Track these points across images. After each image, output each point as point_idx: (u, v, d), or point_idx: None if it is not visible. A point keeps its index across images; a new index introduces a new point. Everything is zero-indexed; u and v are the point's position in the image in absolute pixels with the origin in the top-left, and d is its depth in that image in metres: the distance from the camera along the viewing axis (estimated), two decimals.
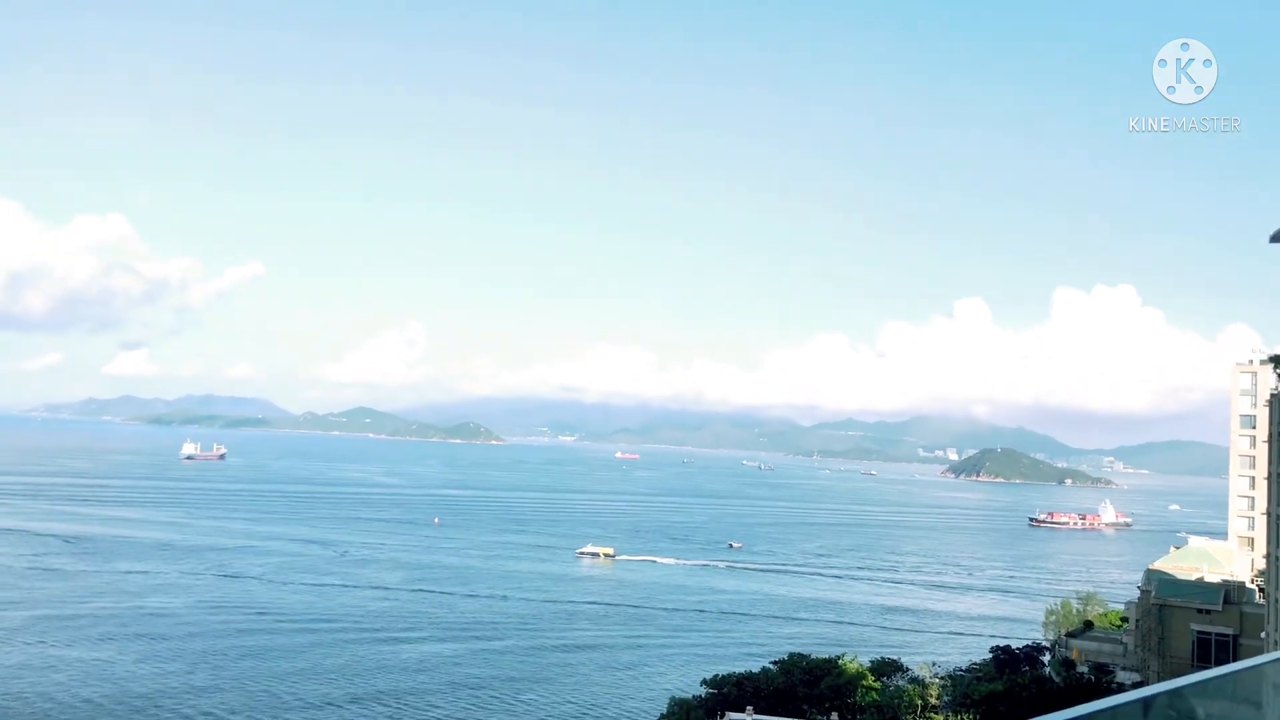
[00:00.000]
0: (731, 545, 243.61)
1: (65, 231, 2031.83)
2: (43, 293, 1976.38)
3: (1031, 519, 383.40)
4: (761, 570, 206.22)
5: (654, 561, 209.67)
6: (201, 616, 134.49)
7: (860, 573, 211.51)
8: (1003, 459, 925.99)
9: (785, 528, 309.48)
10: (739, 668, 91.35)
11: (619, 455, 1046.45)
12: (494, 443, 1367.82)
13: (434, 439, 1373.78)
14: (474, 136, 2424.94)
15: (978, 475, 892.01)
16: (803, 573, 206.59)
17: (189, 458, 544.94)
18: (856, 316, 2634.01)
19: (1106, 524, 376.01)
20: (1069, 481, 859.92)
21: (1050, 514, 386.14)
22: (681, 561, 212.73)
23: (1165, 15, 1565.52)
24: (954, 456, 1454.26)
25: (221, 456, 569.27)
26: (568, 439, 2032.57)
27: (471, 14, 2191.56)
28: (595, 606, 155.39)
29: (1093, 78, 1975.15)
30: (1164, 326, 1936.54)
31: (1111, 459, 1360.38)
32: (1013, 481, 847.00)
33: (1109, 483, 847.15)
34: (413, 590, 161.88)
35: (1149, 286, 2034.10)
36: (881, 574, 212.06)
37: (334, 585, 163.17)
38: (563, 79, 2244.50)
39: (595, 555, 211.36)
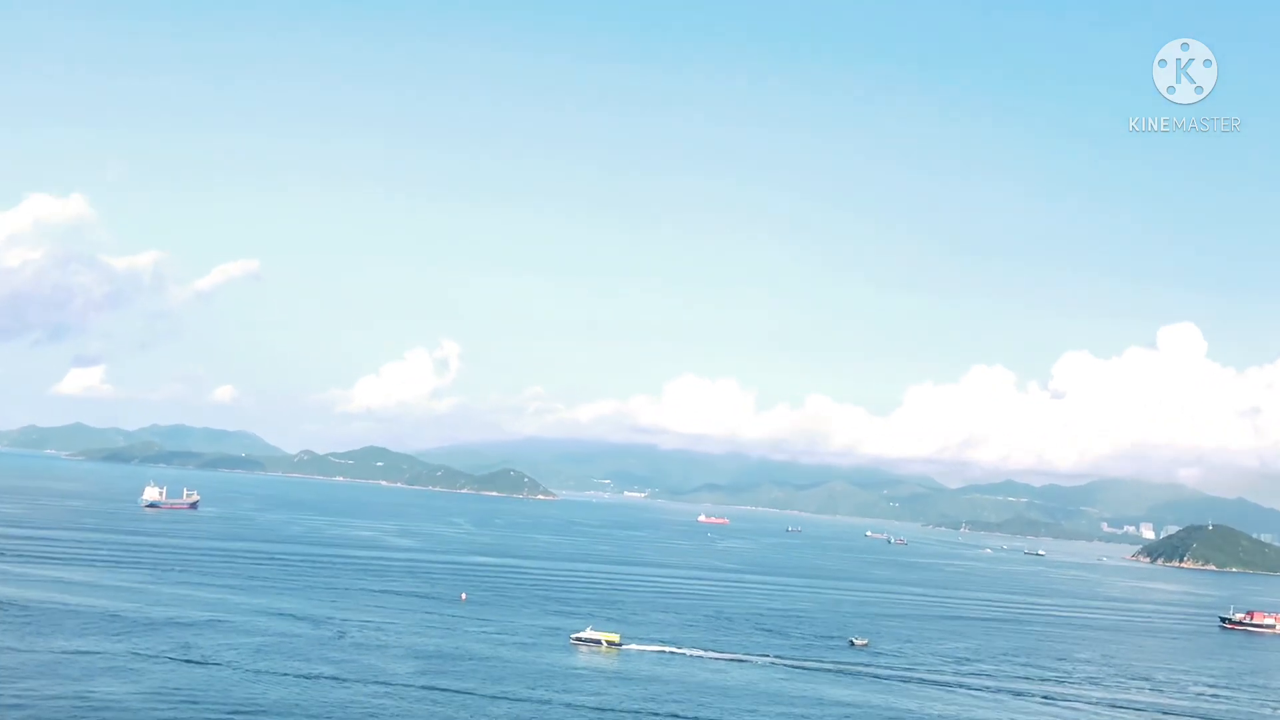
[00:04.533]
0: (854, 642, 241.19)
1: (12, 214, 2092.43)
2: None
3: (1224, 619, 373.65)
4: (886, 677, 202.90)
5: (672, 653, 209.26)
6: (157, 713, 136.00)
7: (1020, 683, 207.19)
8: (1216, 540, 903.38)
9: (920, 622, 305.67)
10: None
11: (703, 519, 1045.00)
12: (541, 497, 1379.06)
13: (464, 490, 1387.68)
14: (534, 127, 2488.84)
15: (1181, 560, 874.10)
16: (942, 682, 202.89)
17: (151, 505, 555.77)
18: (1026, 345, 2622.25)
19: None
20: None
21: (1250, 614, 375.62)
22: (718, 655, 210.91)
23: (1165, 15, 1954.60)
24: (1149, 534, 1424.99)
25: (193, 505, 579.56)
26: (637, 495, 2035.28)
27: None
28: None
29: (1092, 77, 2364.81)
30: None
31: None
32: (1228, 570, 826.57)
33: None
34: (425, 687, 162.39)
35: None
36: (1047, 686, 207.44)
37: (327, 677, 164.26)
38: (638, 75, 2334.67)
39: (595, 642, 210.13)
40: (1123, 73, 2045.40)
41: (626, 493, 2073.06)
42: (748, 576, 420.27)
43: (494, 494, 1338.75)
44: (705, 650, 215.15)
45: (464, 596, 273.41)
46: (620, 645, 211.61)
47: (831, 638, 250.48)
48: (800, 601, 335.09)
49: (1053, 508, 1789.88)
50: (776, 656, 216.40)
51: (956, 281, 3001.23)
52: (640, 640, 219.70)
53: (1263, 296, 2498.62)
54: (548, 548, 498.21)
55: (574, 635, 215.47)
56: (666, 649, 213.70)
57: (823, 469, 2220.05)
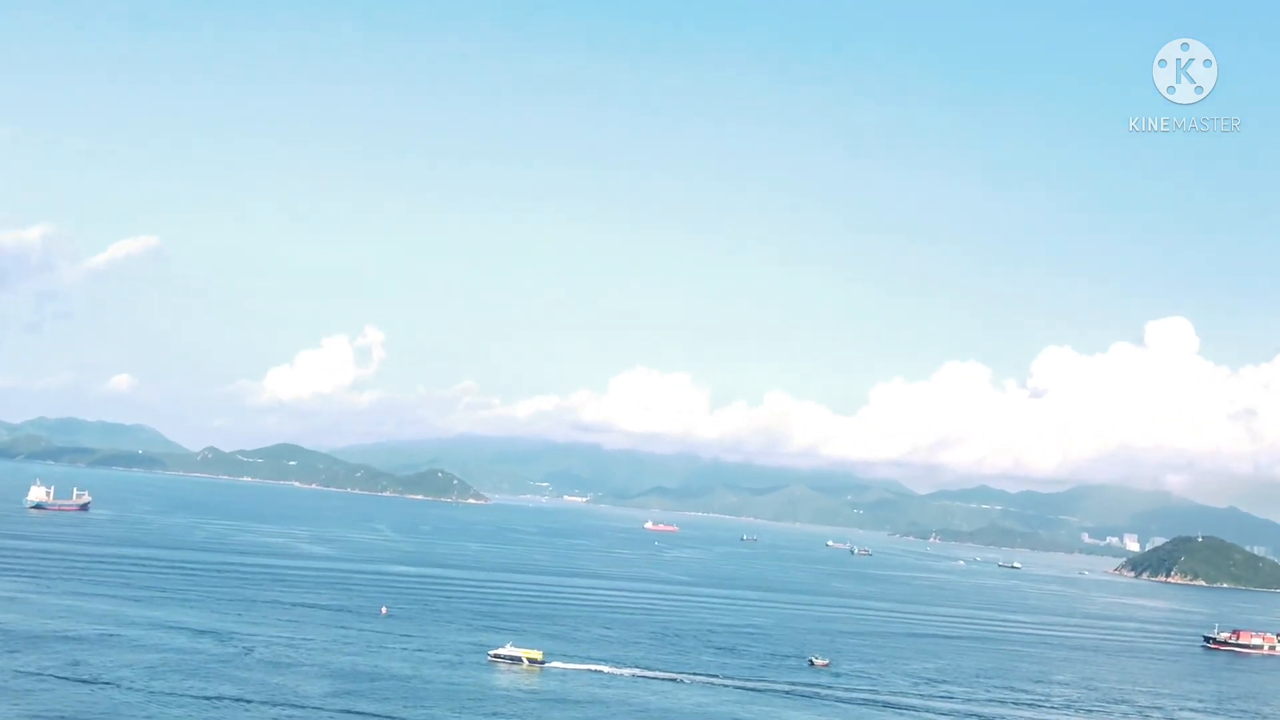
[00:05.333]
0: (813, 662, 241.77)
1: None
2: None
3: (1208, 639, 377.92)
4: (848, 700, 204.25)
5: (599, 671, 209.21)
6: None
7: (992, 707, 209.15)
8: (1205, 553, 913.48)
9: (885, 640, 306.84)
10: None
11: (650, 526, 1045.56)
12: (472, 501, 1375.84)
13: (387, 492, 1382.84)
14: (468, 98, 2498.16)
15: (1168, 575, 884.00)
16: (908, 705, 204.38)
17: (37, 506, 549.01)
18: (1003, 340, 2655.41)
19: None
20: None
21: (1236, 632, 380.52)
22: (660, 675, 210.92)
23: (1165, 15, 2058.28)
24: (1134, 546, 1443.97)
25: (84, 507, 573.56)
26: (578, 499, 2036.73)
27: None
28: None
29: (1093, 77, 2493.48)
30: None
31: None
32: (1218, 586, 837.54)
33: None
34: (341, 711, 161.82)
35: None
36: (1021, 711, 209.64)
37: (230, 698, 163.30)
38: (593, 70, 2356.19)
39: (516, 660, 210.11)
40: (1123, 73, 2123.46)
41: (567, 497, 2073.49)
42: (698, 589, 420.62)
43: (420, 497, 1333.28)
44: (645, 670, 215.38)
45: (385, 610, 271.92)
46: (543, 663, 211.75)
47: (789, 657, 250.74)
48: (755, 617, 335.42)
49: (1030, 516, 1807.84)
50: (727, 677, 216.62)
51: (929, 271, 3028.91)
52: (567, 658, 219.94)
53: (1259, 291, 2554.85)
54: (478, 557, 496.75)
55: (492, 652, 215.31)
56: (597, 668, 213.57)
57: (781, 472, 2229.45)
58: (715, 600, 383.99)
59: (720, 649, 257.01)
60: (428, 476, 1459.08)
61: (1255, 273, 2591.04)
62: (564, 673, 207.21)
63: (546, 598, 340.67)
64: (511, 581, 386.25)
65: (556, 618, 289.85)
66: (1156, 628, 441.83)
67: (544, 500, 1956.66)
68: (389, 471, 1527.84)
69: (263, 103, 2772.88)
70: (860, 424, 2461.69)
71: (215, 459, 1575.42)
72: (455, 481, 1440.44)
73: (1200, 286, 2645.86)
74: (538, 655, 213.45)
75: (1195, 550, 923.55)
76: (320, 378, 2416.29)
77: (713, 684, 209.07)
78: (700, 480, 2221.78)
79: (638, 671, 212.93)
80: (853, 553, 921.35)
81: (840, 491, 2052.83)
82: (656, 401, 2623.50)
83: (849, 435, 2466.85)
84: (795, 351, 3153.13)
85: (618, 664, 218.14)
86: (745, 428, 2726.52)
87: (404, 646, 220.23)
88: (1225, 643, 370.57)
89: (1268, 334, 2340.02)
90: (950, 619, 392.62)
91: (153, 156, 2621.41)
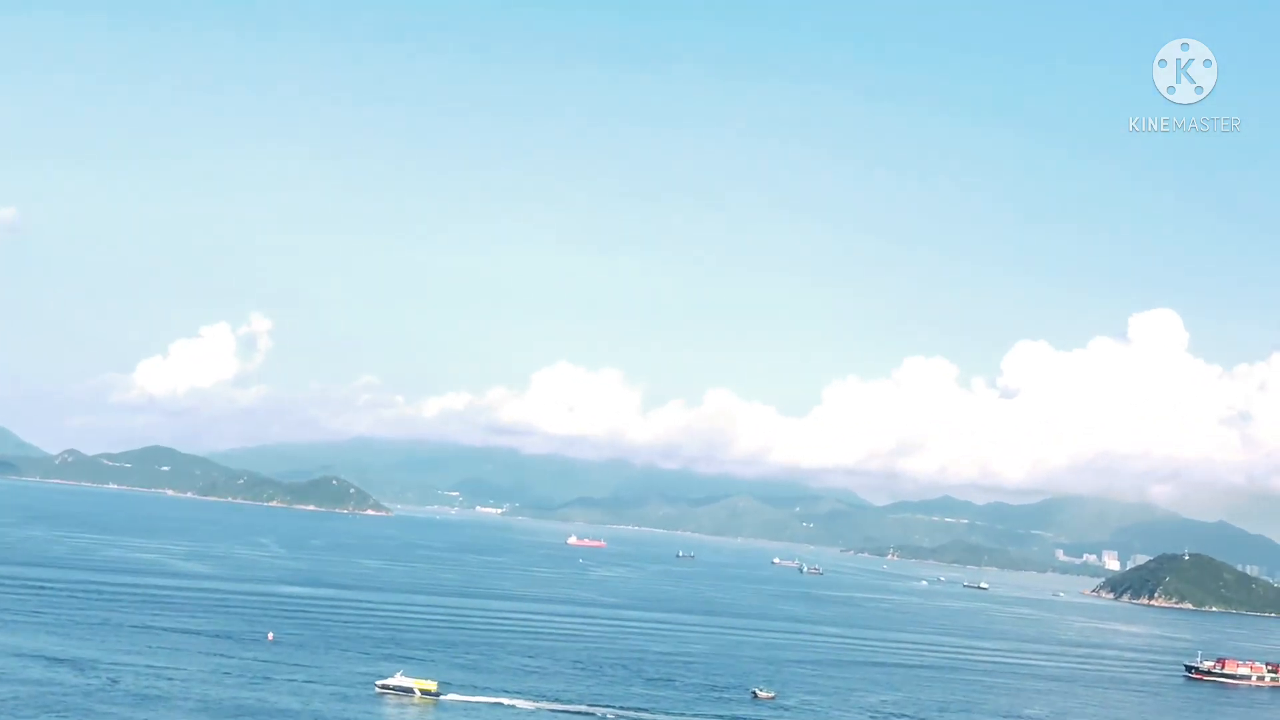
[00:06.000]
0: (757, 694, 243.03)
1: None
2: None
3: (1190, 668, 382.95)
4: None
5: (502, 705, 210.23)
6: None
7: None
8: (1193, 572, 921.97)
9: (838, 669, 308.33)
10: None
11: (574, 541, 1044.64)
12: (371, 513, 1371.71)
13: (274, 502, 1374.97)
14: (377, 58, 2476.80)
15: (1151, 596, 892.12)
16: None
17: None
18: (972, 334, 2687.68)
19: None
20: None
21: (1221, 661, 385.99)
22: (561, 708, 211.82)
23: (1165, 15, 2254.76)
24: (1113, 565, 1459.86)
25: None
26: (493, 510, 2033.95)
27: None
28: None
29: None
30: None
31: None
32: (1206, 609, 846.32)
33: None
34: None
35: None
36: None
37: None
38: None
39: (407, 691, 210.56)
40: (1123, 73, 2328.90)
41: (480, 508, 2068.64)
42: (628, 613, 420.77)
43: (311, 508, 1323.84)
44: (562, 703, 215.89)
45: (271, 636, 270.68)
46: (438, 695, 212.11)
47: (730, 688, 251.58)
48: (692, 644, 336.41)
49: (999, 531, 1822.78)
50: (660, 712, 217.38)
51: (889, 259, 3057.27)
52: (468, 689, 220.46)
53: (1255, 283, 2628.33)
54: (379, 576, 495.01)
55: (380, 682, 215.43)
56: (500, 700, 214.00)
57: (723, 481, 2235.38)
58: (647, 625, 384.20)
59: (652, 680, 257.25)
60: (320, 485, 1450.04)
61: (1251, 266, 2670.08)
62: (460, 706, 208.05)
63: (456, 623, 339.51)
64: (416, 604, 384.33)
65: (466, 645, 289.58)
66: (1136, 656, 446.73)
67: (454, 512, 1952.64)
68: (276, 479, 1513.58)
69: (141, 62, 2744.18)
70: (812, 427, 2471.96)
71: (77, 463, 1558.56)
72: (352, 490, 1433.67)
73: (1189, 272, 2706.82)
74: (431, 686, 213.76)
75: (1181, 569, 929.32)
76: (198, 371, 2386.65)
77: (641, 718, 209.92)
78: (631, 490, 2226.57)
79: (554, 705, 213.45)
80: (802, 571, 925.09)
81: (788, 503, 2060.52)
82: (583, 401, 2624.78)
83: (799, 440, 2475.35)
84: (739, 345, 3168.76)
85: (529, 696, 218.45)
86: (682, 431, 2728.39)
87: (291, 678, 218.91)
88: (1209, 673, 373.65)
89: (1264, 329, 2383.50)
90: (910, 646, 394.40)
91: (8, 118, 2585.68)
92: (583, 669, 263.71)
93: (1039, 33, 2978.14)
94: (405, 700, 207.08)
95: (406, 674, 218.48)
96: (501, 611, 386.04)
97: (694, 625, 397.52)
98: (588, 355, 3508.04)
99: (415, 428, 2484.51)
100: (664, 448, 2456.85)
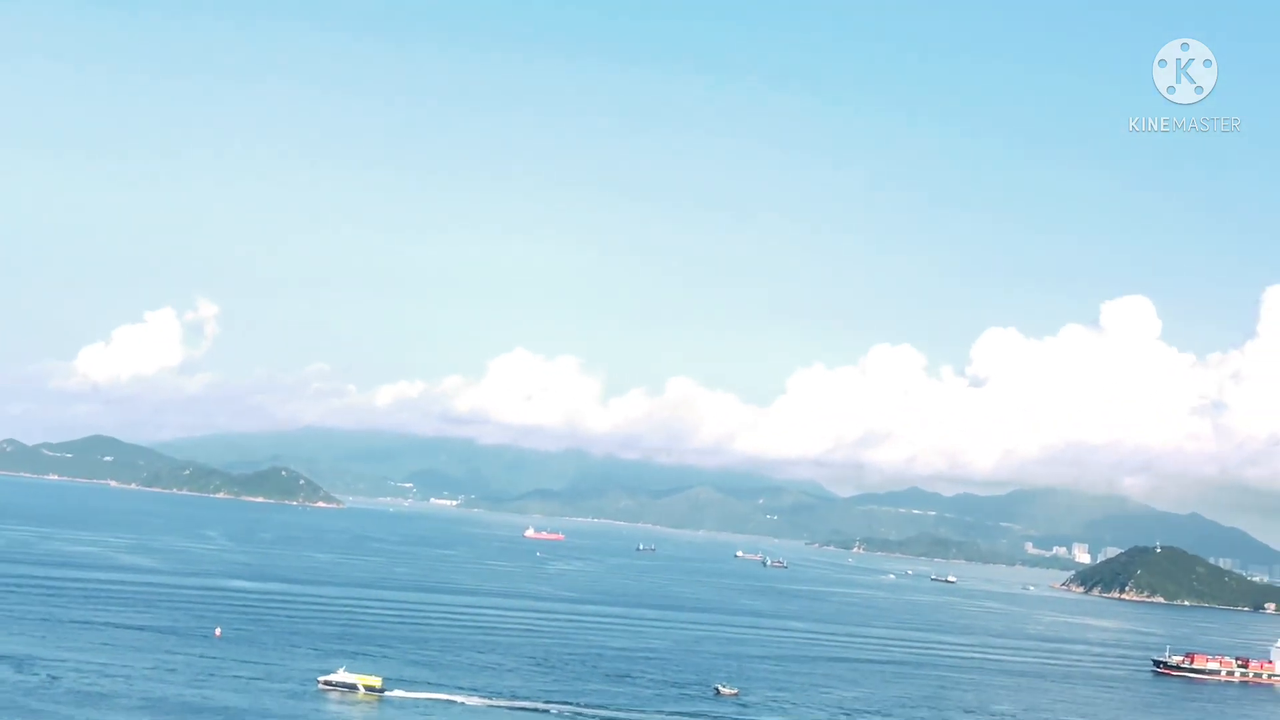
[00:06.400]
0: (719, 691, 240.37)
1: None
2: None
3: (1158, 662, 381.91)
4: None
5: (449, 701, 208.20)
6: None
7: None
8: (1164, 565, 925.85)
9: (802, 665, 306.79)
10: None
11: (531, 533, 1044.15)
12: (322, 505, 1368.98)
13: (220, 494, 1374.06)
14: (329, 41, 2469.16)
15: (1122, 590, 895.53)
16: None
17: None
18: (939, 320, 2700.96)
19: None
20: (1271, 607, 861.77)
21: (1190, 656, 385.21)
22: (512, 704, 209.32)
23: (1165, 15, 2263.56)
24: (1084, 558, 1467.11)
25: None
26: (447, 502, 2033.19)
27: None
28: None
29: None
30: None
31: None
32: (1179, 603, 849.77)
33: None
34: None
35: None
36: None
37: None
38: None
39: (350, 687, 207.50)
40: (1123, 73, 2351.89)
41: (434, 500, 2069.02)
42: (586, 607, 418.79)
43: (259, 500, 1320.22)
44: (514, 700, 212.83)
45: (219, 632, 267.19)
46: (382, 691, 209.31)
47: (691, 685, 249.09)
48: (652, 639, 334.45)
49: (967, 523, 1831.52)
50: (618, 708, 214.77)
51: (856, 243, 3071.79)
52: (414, 685, 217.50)
53: (1229, 270, 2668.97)
54: (330, 570, 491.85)
55: (322, 678, 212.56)
56: (447, 697, 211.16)
57: (684, 472, 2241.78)
58: (606, 620, 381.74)
59: (610, 676, 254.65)
60: (269, 475, 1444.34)
61: (1225, 254, 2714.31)
62: (405, 702, 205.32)
63: (409, 618, 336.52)
64: (368, 599, 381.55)
65: (419, 641, 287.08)
66: (1105, 651, 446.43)
67: (407, 504, 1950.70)
68: (223, 469, 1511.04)
69: (84, 48, 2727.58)
70: (776, 416, 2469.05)
71: (15, 453, 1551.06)
72: (302, 481, 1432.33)
73: (1162, 259, 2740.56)
74: (375, 682, 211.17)
75: (1153, 562, 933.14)
76: (142, 358, 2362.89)
77: (600, 716, 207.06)
78: (590, 481, 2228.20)
79: (507, 702, 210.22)
80: (765, 564, 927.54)
81: (752, 494, 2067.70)
82: (540, 389, 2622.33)
83: (763, 429, 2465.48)
84: (702, 332, 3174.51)
85: (482, 693, 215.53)
86: (643, 420, 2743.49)
87: (238, 675, 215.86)
88: (1177, 667, 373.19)
89: (1238, 317, 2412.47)
90: (876, 641, 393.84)
91: None
92: (538, 665, 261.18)
93: (1039, 33, 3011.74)
94: (348, 696, 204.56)
95: (350, 670, 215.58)
96: (456, 606, 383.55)
97: (655, 620, 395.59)
98: (545, 342, 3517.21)
99: (367, 417, 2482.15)
100: (624, 438, 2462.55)
